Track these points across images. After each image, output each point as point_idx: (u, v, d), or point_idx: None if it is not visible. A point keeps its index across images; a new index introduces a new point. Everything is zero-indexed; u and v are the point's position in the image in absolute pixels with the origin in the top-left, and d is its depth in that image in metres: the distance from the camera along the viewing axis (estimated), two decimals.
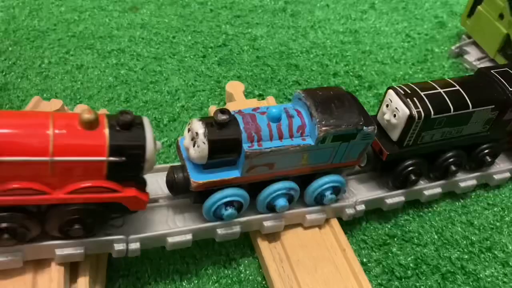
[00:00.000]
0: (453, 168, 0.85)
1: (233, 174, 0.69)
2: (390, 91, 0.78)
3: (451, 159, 0.84)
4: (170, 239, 0.70)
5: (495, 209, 0.92)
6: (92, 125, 0.58)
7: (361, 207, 0.82)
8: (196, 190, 0.68)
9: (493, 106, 0.80)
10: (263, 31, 1.26)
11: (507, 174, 0.93)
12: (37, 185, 0.58)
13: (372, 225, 0.87)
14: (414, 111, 0.75)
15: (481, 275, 0.81)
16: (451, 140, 0.82)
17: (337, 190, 0.77)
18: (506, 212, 0.91)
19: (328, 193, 0.76)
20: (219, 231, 0.73)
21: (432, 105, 0.76)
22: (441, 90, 0.79)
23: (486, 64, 1.18)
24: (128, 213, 0.66)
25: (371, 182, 0.86)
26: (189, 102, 1.06)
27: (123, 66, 1.12)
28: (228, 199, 0.70)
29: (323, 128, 0.68)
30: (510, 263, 0.83)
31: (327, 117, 0.69)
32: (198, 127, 0.65)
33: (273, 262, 0.75)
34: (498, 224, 0.89)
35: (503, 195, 0.94)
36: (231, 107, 1.00)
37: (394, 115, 0.77)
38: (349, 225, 0.86)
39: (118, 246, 0.68)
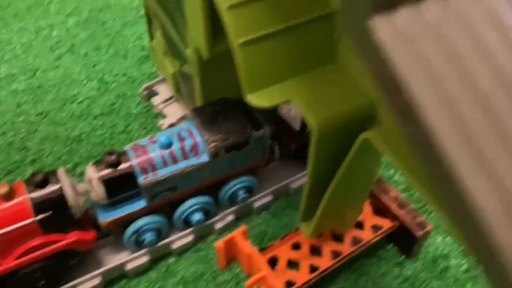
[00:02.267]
0: None
1: (139, 205, 0.75)
2: None
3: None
4: None
5: None
6: (9, 195, 0.65)
7: None
8: (106, 229, 0.74)
9: None
10: None
11: (191, 238, 0.82)
12: None
13: None
14: None
15: None
16: None
17: (250, 189, 0.85)
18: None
19: (240, 192, 0.84)
20: None
21: None
22: None
23: (172, 107, 1.04)
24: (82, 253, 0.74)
25: None
26: None
27: None
28: (143, 228, 0.76)
29: (212, 144, 0.75)
30: None
31: (214, 132, 0.75)
32: (91, 172, 0.71)
33: None
34: None
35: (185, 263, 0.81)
36: None
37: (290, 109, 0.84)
38: None
39: None
